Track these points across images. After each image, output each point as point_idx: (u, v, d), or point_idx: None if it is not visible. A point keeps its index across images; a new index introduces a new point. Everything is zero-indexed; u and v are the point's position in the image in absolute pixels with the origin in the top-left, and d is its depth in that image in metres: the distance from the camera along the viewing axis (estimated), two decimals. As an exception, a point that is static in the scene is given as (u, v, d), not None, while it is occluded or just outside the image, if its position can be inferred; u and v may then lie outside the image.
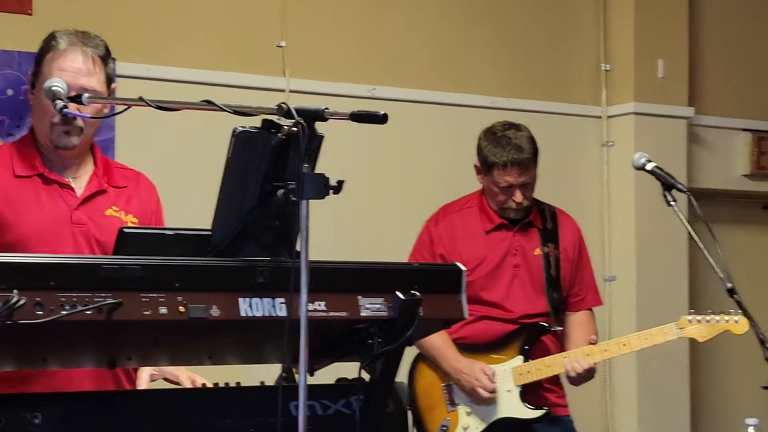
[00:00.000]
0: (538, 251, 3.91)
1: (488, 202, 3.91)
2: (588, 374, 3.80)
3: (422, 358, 3.95)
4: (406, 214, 5.00)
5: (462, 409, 3.89)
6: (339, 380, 2.51)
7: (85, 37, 2.79)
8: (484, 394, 3.80)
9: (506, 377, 3.84)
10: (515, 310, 3.87)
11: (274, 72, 5.10)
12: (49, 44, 2.78)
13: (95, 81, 2.75)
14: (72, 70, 2.72)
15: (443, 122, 5.46)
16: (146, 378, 2.77)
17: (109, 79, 2.84)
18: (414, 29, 5.52)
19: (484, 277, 3.85)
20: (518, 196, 3.82)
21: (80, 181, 2.85)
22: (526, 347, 3.85)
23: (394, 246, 4.32)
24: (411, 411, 3.94)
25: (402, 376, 3.24)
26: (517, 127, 3.89)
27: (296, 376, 3.36)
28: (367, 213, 5.24)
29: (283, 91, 5.06)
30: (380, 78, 5.35)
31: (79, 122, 2.73)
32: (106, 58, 2.81)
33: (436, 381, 3.93)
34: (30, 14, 4.44)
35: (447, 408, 3.91)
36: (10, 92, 4.33)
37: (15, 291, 1.98)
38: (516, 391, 3.85)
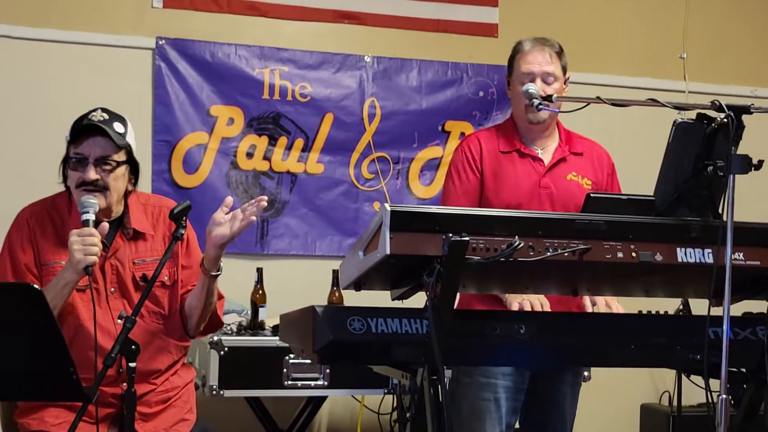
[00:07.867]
0: None
1: None
2: None
3: None
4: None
5: None
6: (745, 314, 2.99)
7: (543, 40, 3.56)
8: None
9: None
10: None
11: (676, 77, 5.89)
12: (516, 48, 3.59)
13: (554, 68, 3.52)
14: (536, 63, 3.51)
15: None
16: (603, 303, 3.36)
17: (564, 69, 3.58)
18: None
19: None
20: None
21: (547, 151, 3.58)
22: None
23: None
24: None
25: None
26: None
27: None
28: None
29: (683, 92, 5.81)
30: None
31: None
32: (560, 53, 3.57)
33: None
34: (496, 37, 5.62)
35: None
36: (481, 93, 5.61)
37: (516, 237, 2.55)
38: None
